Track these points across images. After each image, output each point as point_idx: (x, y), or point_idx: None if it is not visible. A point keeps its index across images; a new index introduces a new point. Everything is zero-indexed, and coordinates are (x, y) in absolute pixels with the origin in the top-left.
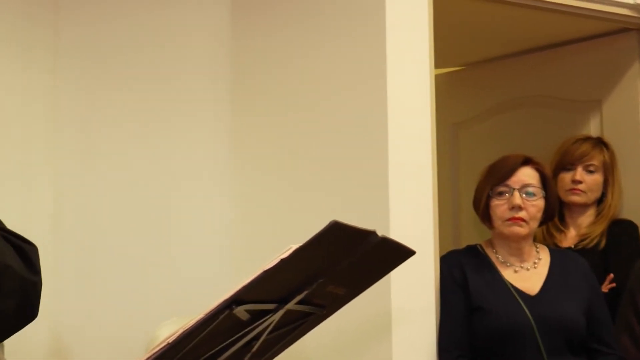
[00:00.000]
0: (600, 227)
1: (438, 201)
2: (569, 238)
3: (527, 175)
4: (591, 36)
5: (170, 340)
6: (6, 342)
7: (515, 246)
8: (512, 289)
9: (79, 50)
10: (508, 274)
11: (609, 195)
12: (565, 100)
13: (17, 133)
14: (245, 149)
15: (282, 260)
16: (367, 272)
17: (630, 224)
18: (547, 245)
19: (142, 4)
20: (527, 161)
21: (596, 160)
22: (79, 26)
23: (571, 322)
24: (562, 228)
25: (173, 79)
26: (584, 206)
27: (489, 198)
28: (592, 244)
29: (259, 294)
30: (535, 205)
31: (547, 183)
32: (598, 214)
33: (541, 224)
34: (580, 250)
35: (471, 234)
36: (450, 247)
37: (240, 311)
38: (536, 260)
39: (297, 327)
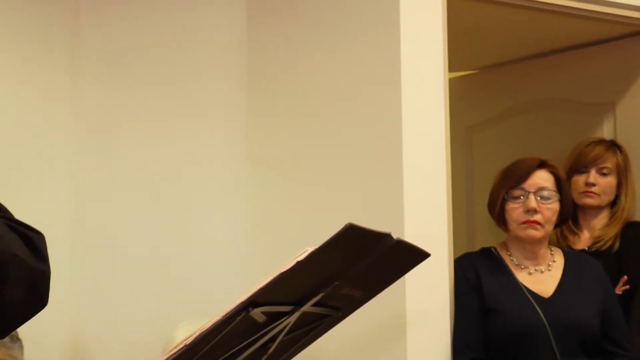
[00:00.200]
0: (614, 230)
1: (452, 203)
2: (583, 240)
3: (542, 179)
4: (604, 39)
5: (188, 342)
6: (25, 343)
7: (530, 249)
8: (526, 292)
9: (98, 51)
10: (522, 277)
11: (623, 198)
12: (578, 103)
13: (38, 134)
14: (261, 150)
15: (298, 262)
16: (382, 274)
17: None
18: (561, 248)
19: (159, 6)
20: (542, 164)
21: (609, 163)
22: (99, 27)
23: (585, 324)
24: (575, 230)
25: (190, 79)
26: (598, 209)
27: (504, 201)
28: (605, 246)
29: (275, 296)
30: (551, 209)
31: (562, 186)
32: (611, 217)
33: (556, 226)
34: (594, 253)
35: (485, 237)
36: (465, 250)
37: (257, 313)
38: (550, 263)
39: (312, 329)
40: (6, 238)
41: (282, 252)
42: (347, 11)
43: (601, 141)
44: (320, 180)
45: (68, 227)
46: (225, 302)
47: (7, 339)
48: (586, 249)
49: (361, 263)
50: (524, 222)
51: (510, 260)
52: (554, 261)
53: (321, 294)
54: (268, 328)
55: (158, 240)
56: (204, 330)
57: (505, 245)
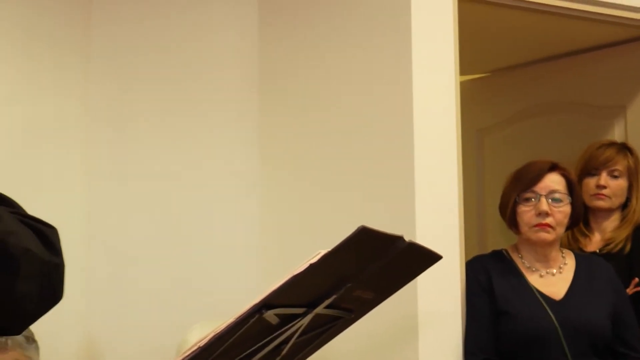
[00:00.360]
0: (625, 232)
1: (463, 206)
2: (594, 243)
3: (553, 181)
4: (615, 42)
5: (202, 343)
6: (41, 345)
7: (542, 251)
8: (537, 294)
9: (109, 51)
10: (534, 279)
11: (634, 200)
12: (589, 106)
13: (51, 136)
14: (273, 151)
15: (311, 265)
16: (394, 276)
17: None
18: (572, 250)
19: (171, 6)
20: (553, 167)
21: (620, 166)
22: (110, 28)
23: (596, 326)
24: (587, 233)
25: (201, 81)
26: (609, 211)
27: (515, 204)
28: (617, 249)
29: (288, 298)
30: (562, 211)
31: (573, 189)
32: (622, 219)
33: (567, 229)
34: (605, 255)
35: (496, 239)
36: (476, 252)
37: (270, 315)
38: (562, 265)
39: (325, 330)
40: (18, 233)
41: (294, 253)
42: (359, 13)
43: (612, 144)
44: (332, 181)
45: (81, 229)
46: (238, 304)
47: (23, 339)
48: (597, 251)
49: (373, 265)
50: (536, 225)
51: (522, 262)
52: (565, 264)
53: (334, 296)
54: (281, 330)
55: (171, 243)
56: (218, 331)
57: (516, 248)
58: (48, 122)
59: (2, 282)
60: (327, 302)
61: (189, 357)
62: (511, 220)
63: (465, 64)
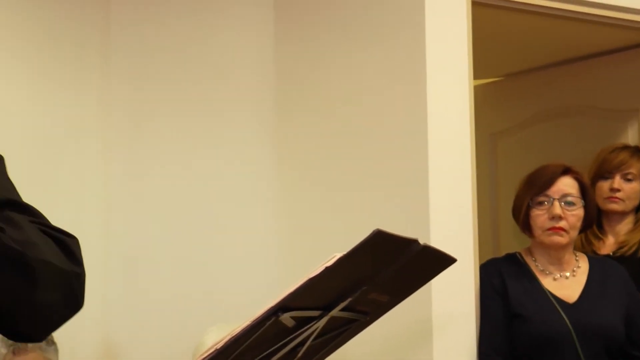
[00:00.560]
0: (639, 235)
1: (477, 209)
2: (608, 245)
3: (566, 185)
4: (628, 46)
5: (218, 346)
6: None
7: (555, 255)
8: (551, 297)
9: (129, 52)
10: (547, 282)
11: None
12: (602, 110)
13: (69, 136)
14: (289, 154)
15: (326, 268)
16: (409, 279)
17: None
18: (586, 253)
19: (189, 7)
20: (566, 171)
21: (634, 169)
22: (130, 28)
23: (610, 329)
24: (600, 236)
25: (218, 83)
26: (622, 214)
27: (529, 208)
28: (630, 252)
29: (304, 301)
30: (575, 215)
31: (586, 192)
32: (636, 222)
33: (580, 232)
34: (618, 258)
35: (510, 242)
36: (490, 255)
37: (286, 318)
38: (575, 268)
39: (341, 333)
40: (38, 245)
41: (310, 255)
42: (373, 18)
43: (625, 147)
44: (347, 185)
45: (99, 234)
46: (254, 307)
47: (42, 342)
48: (611, 254)
49: (389, 268)
50: (549, 229)
51: (535, 265)
52: (578, 267)
53: (349, 299)
54: (297, 332)
55: (187, 245)
56: (234, 334)
57: (530, 251)
58: (66, 122)
59: (23, 293)
60: (342, 304)
61: (206, 359)
62: (525, 224)
63: (479, 68)
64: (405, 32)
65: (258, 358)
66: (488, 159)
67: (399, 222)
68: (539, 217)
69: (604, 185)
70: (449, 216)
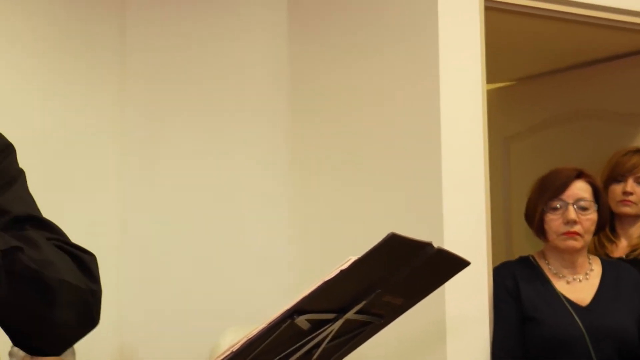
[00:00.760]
0: None
1: (490, 212)
2: (620, 248)
3: (580, 189)
4: (639, 50)
5: (234, 348)
6: (77, 351)
7: (569, 258)
8: (564, 300)
9: (144, 52)
10: (560, 285)
11: None
12: (614, 114)
13: (85, 135)
14: (303, 155)
15: (341, 271)
16: (423, 282)
17: None
18: (599, 256)
19: (204, 9)
20: (579, 175)
21: None
22: (145, 29)
23: (623, 332)
24: (613, 239)
25: (232, 82)
26: (635, 217)
27: (543, 212)
28: None
29: (319, 304)
30: (589, 219)
31: (599, 196)
32: None
33: (593, 235)
34: (631, 261)
35: (522, 245)
36: (503, 258)
37: (302, 321)
38: (588, 272)
39: (355, 335)
40: (55, 263)
41: (325, 256)
42: (387, 21)
43: (638, 150)
44: (361, 189)
45: (114, 240)
46: (270, 309)
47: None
48: (624, 257)
49: (403, 271)
50: (564, 233)
51: (549, 268)
52: (591, 270)
53: (364, 302)
54: (312, 335)
55: (202, 248)
56: (250, 336)
57: (543, 254)
58: (82, 122)
59: (40, 311)
60: (357, 307)
61: None
62: (539, 228)
63: (492, 72)
64: (419, 36)
65: None
66: (501, 162)
67: (412, 224)
68: (554, 221)
69: (616, 189)
70: (463, 219)
